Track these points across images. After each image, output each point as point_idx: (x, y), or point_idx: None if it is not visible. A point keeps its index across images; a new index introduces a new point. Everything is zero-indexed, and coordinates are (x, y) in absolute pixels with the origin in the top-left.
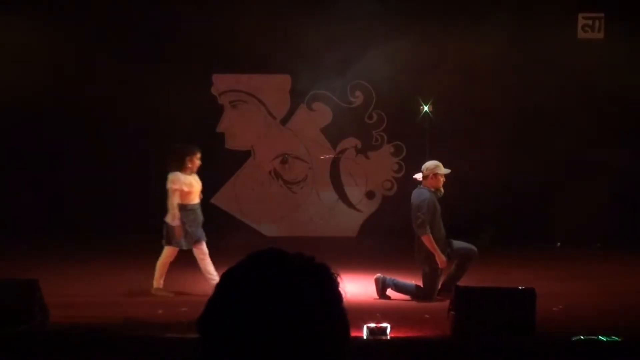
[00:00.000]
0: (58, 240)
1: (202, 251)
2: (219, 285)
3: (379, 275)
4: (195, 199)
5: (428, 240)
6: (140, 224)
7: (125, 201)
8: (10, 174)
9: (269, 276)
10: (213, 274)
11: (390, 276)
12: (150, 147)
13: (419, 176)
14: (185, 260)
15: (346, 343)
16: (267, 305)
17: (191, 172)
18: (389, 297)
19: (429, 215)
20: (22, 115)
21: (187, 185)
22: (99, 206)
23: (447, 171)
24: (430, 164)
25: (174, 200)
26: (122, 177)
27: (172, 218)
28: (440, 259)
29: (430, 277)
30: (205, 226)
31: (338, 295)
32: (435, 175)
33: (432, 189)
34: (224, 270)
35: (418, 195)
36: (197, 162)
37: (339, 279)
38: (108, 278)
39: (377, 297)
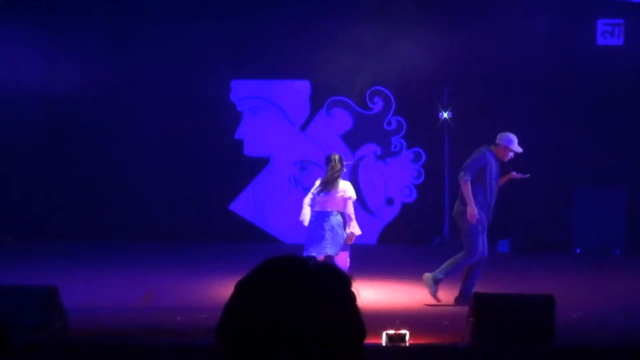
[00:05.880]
0: (77, 247)
1: None
2: (234, 293)
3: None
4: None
5: (464, 186)
6: (161, 230)
7: (147, 207)
8: (30, 181)
9: (282, 283)
10: None
11: (411, 283)
12: (169, 154)
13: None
14: (205, 265)
15: (363, 342)
16: (282, 311)
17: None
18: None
19: (477, 168)
20: (47, 122)
21: None
22: (119, 211)
23: (519, 150)
24: (506, 134)
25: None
26: (142, 182)
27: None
28: (472, 210)
29: (469, 233)
30: (224, 233)
31: (352, 296)
32: (506, 148)
33: (496, 155)
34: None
35: (478, 149)
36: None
37: (351, 280)
38: (127, 284)
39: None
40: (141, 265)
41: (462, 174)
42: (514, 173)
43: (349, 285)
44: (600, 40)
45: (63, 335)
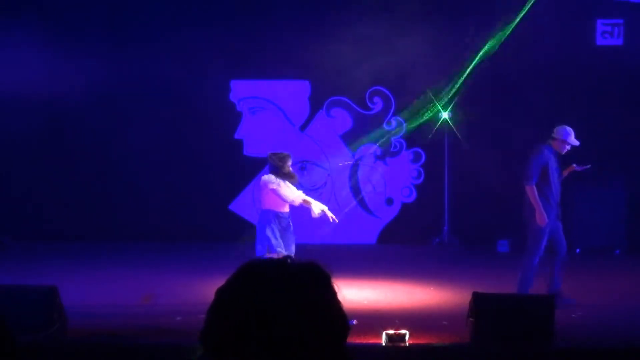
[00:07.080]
0: (77, 247)
1: None
2: (215, 300)
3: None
4: (285, 208)
5: (530, 191)
6: (161, 230)
7: (147, 207)
8: (30, 180)
9: (261, 285)
10: None
11: (411, 283)
12: (169, 154)
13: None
14: (205, 265)
15: (346, 337)
16: (263, 313)
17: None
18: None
19: (539, 169)
20: (47, 122)
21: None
22: (119, 212)
23: (576, 143)
24: (562, 127)
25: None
26: (142, 182)
27: None
28: (540, 215)
29: (536, 234)
30: (224, 233)
31: (332, 292)
32: (563, 141)
33: (554, 149)
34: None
35: (535, 148)
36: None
37: (330, 276)
38: (127, 284)
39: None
40: (141, 265)
41: (525, 180)
42: (574, 165)
43: (329, 282)
44: (600, 40)
45: (63, 335)
